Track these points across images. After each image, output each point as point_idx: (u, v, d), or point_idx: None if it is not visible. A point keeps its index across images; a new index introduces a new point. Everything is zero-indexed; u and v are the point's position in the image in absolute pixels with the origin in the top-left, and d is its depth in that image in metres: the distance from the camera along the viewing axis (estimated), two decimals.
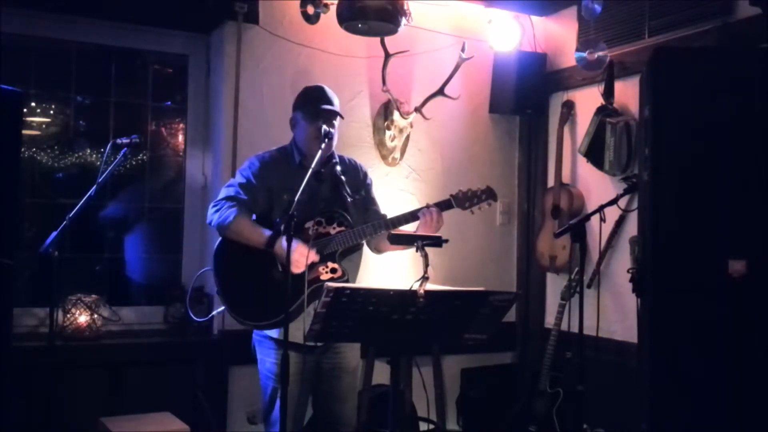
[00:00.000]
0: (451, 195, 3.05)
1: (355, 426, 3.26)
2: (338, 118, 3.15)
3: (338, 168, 3.17)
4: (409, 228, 3.10)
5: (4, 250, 2.82)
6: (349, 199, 3.11)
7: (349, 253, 3.08)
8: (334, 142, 3.15)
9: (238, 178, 3.14)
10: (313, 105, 3.11)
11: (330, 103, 3.12)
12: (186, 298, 3.72)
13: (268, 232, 2.96)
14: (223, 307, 3.09)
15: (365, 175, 3.32)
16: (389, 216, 3.13)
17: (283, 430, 2.68)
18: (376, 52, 4.13)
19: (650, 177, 3.05)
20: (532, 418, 4.20)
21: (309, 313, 2.90)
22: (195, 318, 3.53)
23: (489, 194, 3.07)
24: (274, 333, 3.07)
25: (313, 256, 2.93)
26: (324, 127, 2.98)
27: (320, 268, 2.96)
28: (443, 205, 3.05)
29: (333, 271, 2.97)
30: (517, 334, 4.77)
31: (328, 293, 2.33)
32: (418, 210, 3.04)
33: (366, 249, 3.31)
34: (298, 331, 2.74)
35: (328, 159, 3.15)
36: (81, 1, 3.72)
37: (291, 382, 2.69)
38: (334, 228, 3.00)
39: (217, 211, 3.06)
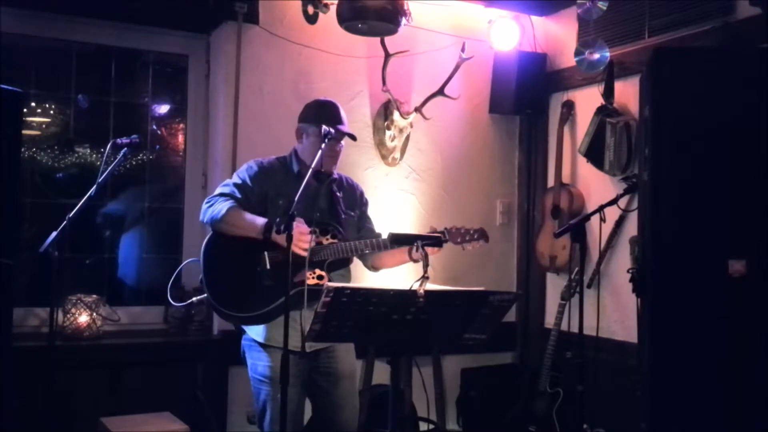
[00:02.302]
0: (445, 228, 3.02)
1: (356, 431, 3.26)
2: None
3: (334, 185, 3.19)
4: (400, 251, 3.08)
5: (4, 250, 2.82)
6: (342, 216, 3.13)
7: (338, 267, 3.07)
8: (337, 163, 3.20)
9: (235, 179, 3.15)
10: (328, 124, 3.07)
11: (344, 124, 3.15)
12: (177, 291, 3.73)
13: (263, 220, 2.96)
14: (204, 295, 3.11)
15: (362, 194, 3.34)
16: (395, 225, 3.14)
17: (283, 430, 2.68)
18: (376, 52, 4.13)
19: (650, 177, 3.05)
20: (532, 418, 4.20)
21: (294, 318, 2.90)
22: (174, 303, 3.51)
23: (481, 235, 3.03)
24: (259, 336, 3.07)
25: (312, 239, 2.91)
26: (324, 127, 2.98)
27: (308, 273, 2.95)
28: (435, 239, 2.94)
29: (320, 278, 2.97)
30: (517, 334, 4.77)
31: (328, 293, 2.33)
32: (415, 240, 3.00)
33: (358, 268, 3.31)
34: (290, 337, 2.69)
35: (327, 174, 3.17)
36: (81, 1, 3.72)
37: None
38: (327, 239, 3.03)
39: (210, 205, 3.07)
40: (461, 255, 4.48)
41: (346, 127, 3.15)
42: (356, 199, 3.29)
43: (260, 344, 3.07)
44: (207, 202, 3.11)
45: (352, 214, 3.22)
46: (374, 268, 3.28)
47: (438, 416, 3.84)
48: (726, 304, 2.95)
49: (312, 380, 3.11)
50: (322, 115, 3.14)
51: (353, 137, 3.20)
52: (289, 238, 2.65)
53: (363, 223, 3.29)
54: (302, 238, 2.87)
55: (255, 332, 3.09)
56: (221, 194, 3.10)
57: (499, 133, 4.79)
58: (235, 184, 3.12)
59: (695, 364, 2.97)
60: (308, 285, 2.83)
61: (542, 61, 4.61)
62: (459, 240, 3.01)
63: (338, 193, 3.18)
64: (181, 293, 3.81)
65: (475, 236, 3.02)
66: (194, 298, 3.56)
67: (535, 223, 4.71)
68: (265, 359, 3.04)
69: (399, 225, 4.28)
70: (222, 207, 3.02)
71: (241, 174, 3.15)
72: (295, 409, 3.05)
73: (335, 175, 3.22)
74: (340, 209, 3.14)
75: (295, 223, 2.74)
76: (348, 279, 3.21)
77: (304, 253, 2.84)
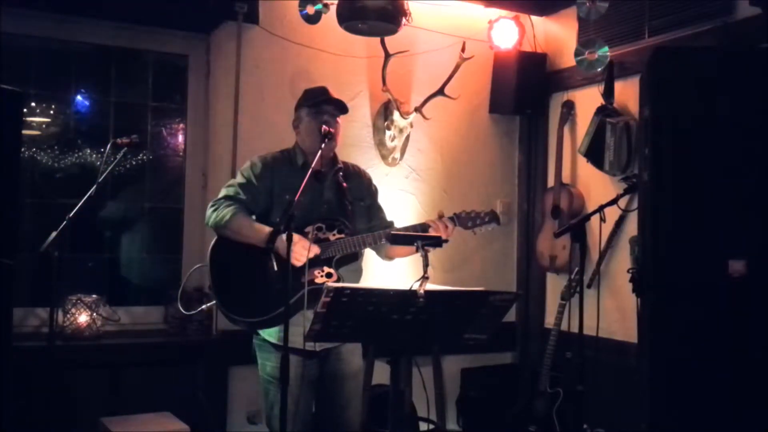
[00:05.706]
0: (455, 213, 3.04)
1: (358, 430, 3.26)
2: (340, 116, 3.14)
3: (341, 174, 3.15)
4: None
5: (4, 250, 2.82)
6: (351, 207, 3.10)
7: (348, 261, 3.05)
8: (336, 143, 3.14)
9: (239, 178, 3.14)
10: (315, 100, 3.12)
11: (332, 98, 3.13)
12: (182, 296, 3.71)
13: (268, 229, 2.94)
14: (213, 302, 3.09)
15: (369, 182, 3.31)
16: (396, 224, 3.13)
17: (283, 431, 2.68)
18: (376, 52, 4.13)
19: (650, 177, 3.06)
20: (532, 418, 4.19)
21: (306, 316, 2.90)
22: (184, 311, 3.51)
23: (492, 217, 3.06)
24: (272, 337, 3.06)
25: (315, 249, 2.91)
26: (324, 126, 2.98)
27: (316, 272, 2.94)
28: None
29: (329, 275, 2.96)
30: (517, 334, 4.77)
31: (328, 293, 2.33)
32: (426, 223, 3.02)
33: (368, 259, 3.29)
34: (298, 336, 2.69)
35: (332, 162, 3.15)
36: (81, 1, 3.72)
37: (293, 386, 2.69)
38: (333, 234, 3.00)
39: (215, 210, 3.06)
40: (461, 255, 4.52)
41: (337, 102, 3.11)
42: (364, 188, 3.26)
43: (272, 344, 3.06)
44: (212, 206, 3.09)
45: (361, 203, 3.19)
46: (388, 257, 3.27)
47: (438, 416, 3.83)
48: (726, 304, 2.95)
49: (319, 380, 3.11)
50: (310, 97, 3.16)
51: (344, 106, 3.13)
52: (289, 238, 2.64)
53: (374, 213, 3.26)
54: (302, 251, 2.86)
55: (267, 332, 3.07)
56: (226, 197, 3.08)
57: (499, 133, 4.79)
58: (240, 184, 3.10)
59: (695, 364, 2.97)
60: (317, 284, 2.84)
61: (542, 61, 4.61)
62: (469, 224, 3.03)
63: (345, 183, 3.14)
64: (183, 295, 3.80)
65: (486, 219, 3.05)
66: (203, 306, 3.53)
67: (535, 223, 4.71)
68: (275, 359, 3.02)
69: (399, 225, 4.27)
70: (226, 213, 3.01)
71: (246, 172, 3.13)
72: (302, 409, 3.04)
73: (339, 164, 3.19)
74: (347, 200, 3.11)
75: (297, 237, 2.74)
76: (359, 274, 3.20)
77: (298, 264, 2.85)
